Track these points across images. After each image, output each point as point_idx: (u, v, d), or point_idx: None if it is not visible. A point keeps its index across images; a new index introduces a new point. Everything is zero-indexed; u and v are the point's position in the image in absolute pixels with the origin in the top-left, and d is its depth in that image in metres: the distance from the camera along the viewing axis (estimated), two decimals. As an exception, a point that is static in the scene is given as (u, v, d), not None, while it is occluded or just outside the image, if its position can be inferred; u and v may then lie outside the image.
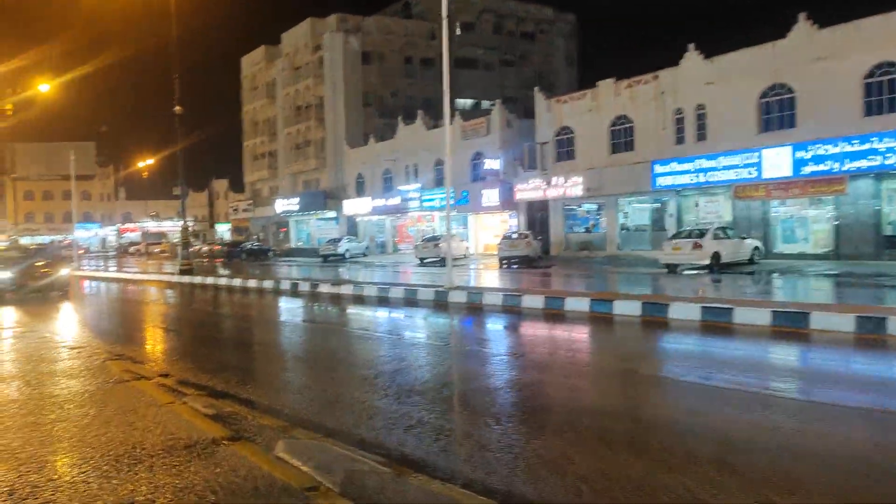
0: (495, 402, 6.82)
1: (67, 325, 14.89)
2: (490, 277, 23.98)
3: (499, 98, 63.70)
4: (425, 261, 35.15)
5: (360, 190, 52.58)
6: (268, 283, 23.27)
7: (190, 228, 36.73)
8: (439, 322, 13.87)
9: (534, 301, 14.73)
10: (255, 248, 55.03)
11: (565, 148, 36.20)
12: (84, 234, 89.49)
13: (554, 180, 35.63)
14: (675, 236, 24.67)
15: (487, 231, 43.92)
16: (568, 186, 34.98)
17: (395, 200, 47.29)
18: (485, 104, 59.81)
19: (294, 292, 21.30)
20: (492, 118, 40.43)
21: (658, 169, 30.56)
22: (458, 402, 6.98)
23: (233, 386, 7.54)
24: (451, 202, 34.46)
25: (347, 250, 45.30)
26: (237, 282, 24.91)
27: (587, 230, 37.06)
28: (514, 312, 14.20)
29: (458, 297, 16.08)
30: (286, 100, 61.29)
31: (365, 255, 47.48)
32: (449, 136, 19.80)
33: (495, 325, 13.12)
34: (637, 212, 34.23)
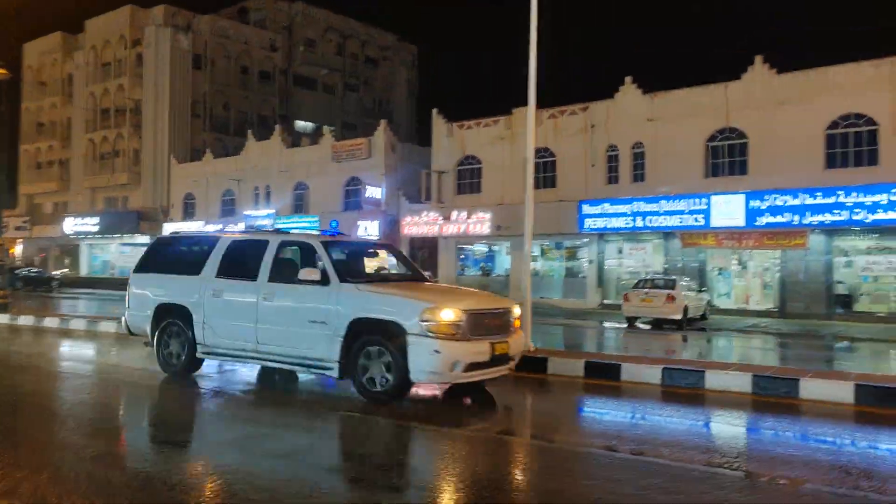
0: None
1: None
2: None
3: (339, 123, 58.94)
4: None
5: (190, 212, 44.20)
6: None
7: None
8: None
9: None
10: (34, 274, 43.84)
11: (468, 179, 32.20)
12: None
13: (454, 215, 31.39)
14: (639, 286, 21.63)
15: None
16: (472, 223, 30.93)
17: (237, 227, 39.89)
18: (326, 129, 54.17)
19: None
20: (374, 140, 35.30)
21: (587, 210, 27.57)
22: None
23: None
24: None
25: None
26: (81, 324, 16.70)
27: (483, 272, 33.20)
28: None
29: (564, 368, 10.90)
30: (89, 100, 50.79)
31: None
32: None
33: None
34: (549, 255, 31.06)
